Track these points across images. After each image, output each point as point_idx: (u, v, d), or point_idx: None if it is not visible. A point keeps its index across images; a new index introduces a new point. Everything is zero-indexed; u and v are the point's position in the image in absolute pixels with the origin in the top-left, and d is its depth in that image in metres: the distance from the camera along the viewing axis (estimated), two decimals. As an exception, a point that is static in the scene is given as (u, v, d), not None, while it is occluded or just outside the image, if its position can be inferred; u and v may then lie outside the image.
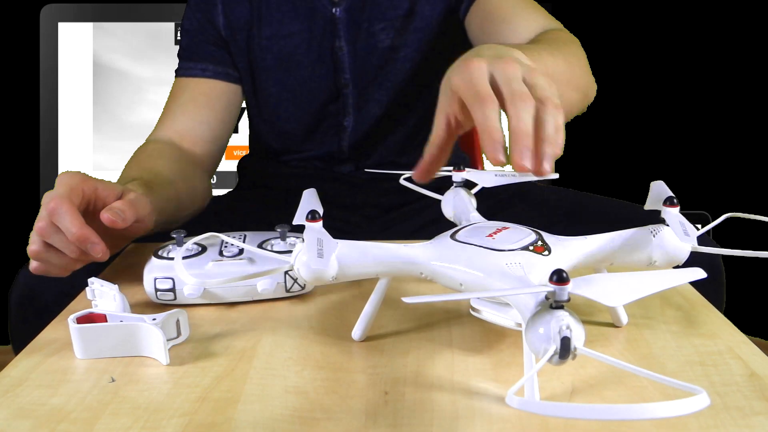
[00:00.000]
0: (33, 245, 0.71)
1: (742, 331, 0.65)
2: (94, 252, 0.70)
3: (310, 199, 0.67)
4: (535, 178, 0.77)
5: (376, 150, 1.12)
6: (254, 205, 1.11)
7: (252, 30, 1.09)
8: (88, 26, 1.88)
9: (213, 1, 1.10)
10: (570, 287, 0.46)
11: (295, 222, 0.63)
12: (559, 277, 0.45)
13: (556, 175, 0.82)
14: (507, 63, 0.58)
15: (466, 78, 0.58)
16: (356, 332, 0.64)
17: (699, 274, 0.50)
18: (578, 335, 0.45)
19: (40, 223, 0.70)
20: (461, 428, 0.50)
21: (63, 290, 0.77)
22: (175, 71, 1.13)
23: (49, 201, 0.70)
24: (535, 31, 0.96)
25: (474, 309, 0.62)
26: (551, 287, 0.46)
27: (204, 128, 1.07)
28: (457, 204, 0.74)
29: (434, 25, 1.07)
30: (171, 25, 1.89)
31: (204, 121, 1.07)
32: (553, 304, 0.46)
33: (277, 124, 1.12)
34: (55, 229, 0.70)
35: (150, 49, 1.90)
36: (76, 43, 1.88)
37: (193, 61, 1.11)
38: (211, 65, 1.10)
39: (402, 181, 0.84)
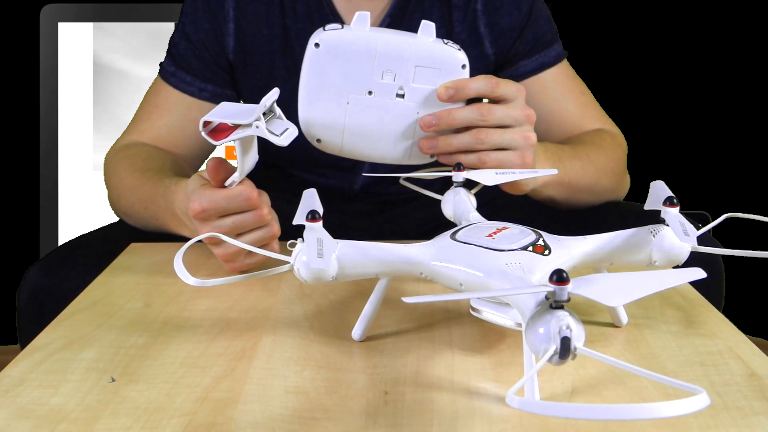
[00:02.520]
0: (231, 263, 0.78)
1: (742, 330, 0.65)
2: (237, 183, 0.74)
3: (310, 199, 0.67)
4: (536, 174, 0.77)
5: (389, 187, 1.09)
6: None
7: (270, 57, 1.02)
8: (88, 26, 1.88)
9: (224, 17, 1.01)
10: (570, 287, 0.46)
11: (295, 222, 0.63)
12: (559, 277, 0.45)
13: (555, 171, 0.82)
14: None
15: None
16: (356, 332, 0.64)
17: (699, 274, 0.50)
18: (578, 335, 0.45)
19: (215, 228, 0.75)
20: (461, 428, 0.50)
21: (72, 290, 0.77)
22: (166, 75, 1.04)
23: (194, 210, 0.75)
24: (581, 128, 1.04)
25: (474, 309, 0.62)
26: (551, 287, 0.46)
27: (191, 150, 1.04)
28: (457, 204, 0.74)
29: None
30: (171, 26, 1.89)
31: (195, 145, 1.03)
32: (553, 304, 0.46)
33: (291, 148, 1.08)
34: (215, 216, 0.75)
35: (150, 49, 1.89)
36: (76, 43, 1.88)
37: (191, 75, 1.03)
38: (211, 85, 1.03)
39: (402, 182, 0.84)
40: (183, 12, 1.04)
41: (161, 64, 1.05)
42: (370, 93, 0.77)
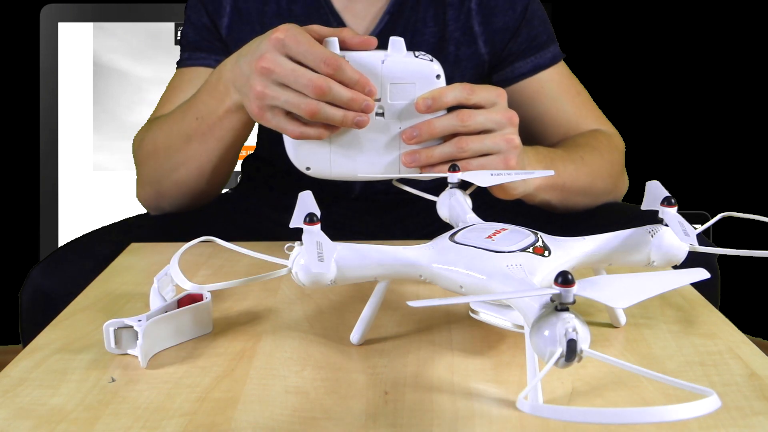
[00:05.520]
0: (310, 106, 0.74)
1: (741, 330, 0.66)
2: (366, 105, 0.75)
3: (306, 202, 0.66)
4: (532, 176, 0.77)
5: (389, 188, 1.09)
6: (260, 204, 1.10)
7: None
8: (88, 26, 1.88)
9: (221, 12, 1.04)
10: (576, 289, 0.45)
11: (291, 225, 0.62)
12: (564, 279, 0.45)
13: (552, 173, 0.82)
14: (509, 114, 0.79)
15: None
16: (354, 336, 0.63)
17: (703, 274, 0.50)
18: (584, 337, 0.45)
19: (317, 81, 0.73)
20: (461, 429, 0.50)
21: (75, 290, 0.77)
22: (180, 63, 1.07)
23: (325, 57, 0.73)
24: (576, 130, 1.04)
25: (472, 311, 0.62)
26: (557, 289, 0.45)
27: None
28: (452, 205, 0.73)
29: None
30: (171, 25, 1.89)
31: None
32: (558, 306, 0.46)
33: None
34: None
35: (150, 49, 1.89)
36: (76, 43, 1.88)
37: (203, 51, 1.05)
38: (224, 57, 1.03)
39: (395, 183, 0.83)
40: (187, 5, 1.07)
41: (177, 62, 1.08)
42: None
